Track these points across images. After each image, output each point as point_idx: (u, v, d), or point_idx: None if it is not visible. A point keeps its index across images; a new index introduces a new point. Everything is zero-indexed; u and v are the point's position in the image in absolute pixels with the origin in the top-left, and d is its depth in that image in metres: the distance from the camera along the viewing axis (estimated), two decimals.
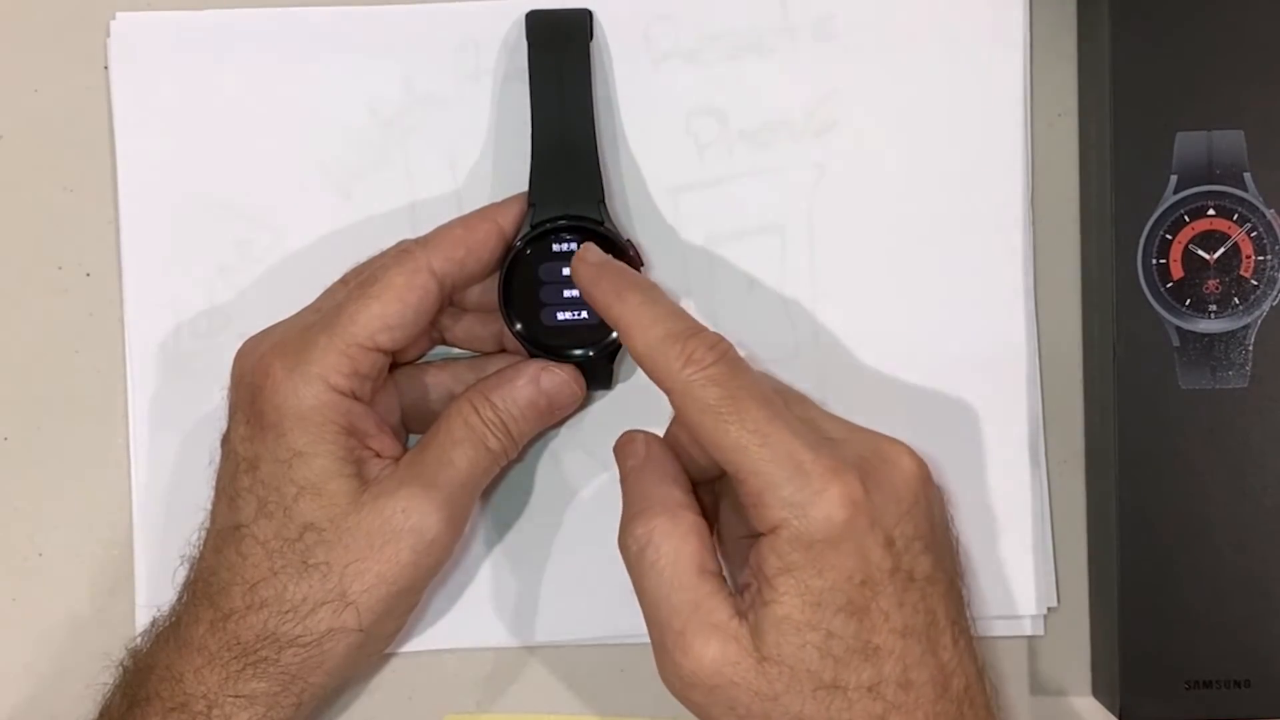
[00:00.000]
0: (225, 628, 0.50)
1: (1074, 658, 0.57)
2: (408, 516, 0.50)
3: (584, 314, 0.53)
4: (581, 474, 0.56)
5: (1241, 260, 0.53)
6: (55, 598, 0.57)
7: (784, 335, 0.56)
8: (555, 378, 0.53)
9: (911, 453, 0.48)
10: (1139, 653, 0.53)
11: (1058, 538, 0.57)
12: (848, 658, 0.45)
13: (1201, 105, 0.53)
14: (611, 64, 0.56)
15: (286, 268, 0.56)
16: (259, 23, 0.56)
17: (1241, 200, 0.53)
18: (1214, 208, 0.53)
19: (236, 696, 0.49)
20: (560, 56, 0.54)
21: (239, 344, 0.53)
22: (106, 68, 0.57)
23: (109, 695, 0.52)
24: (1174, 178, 0.53)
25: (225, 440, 0.52)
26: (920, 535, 0.47)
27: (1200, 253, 0.53)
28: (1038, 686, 0.56)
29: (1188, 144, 0.53)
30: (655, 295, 0.50)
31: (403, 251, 0.52)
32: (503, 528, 0.56)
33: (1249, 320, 0.53)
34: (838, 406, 0.55)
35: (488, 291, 0.54)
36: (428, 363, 0.56)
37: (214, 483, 0.52)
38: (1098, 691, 0.56)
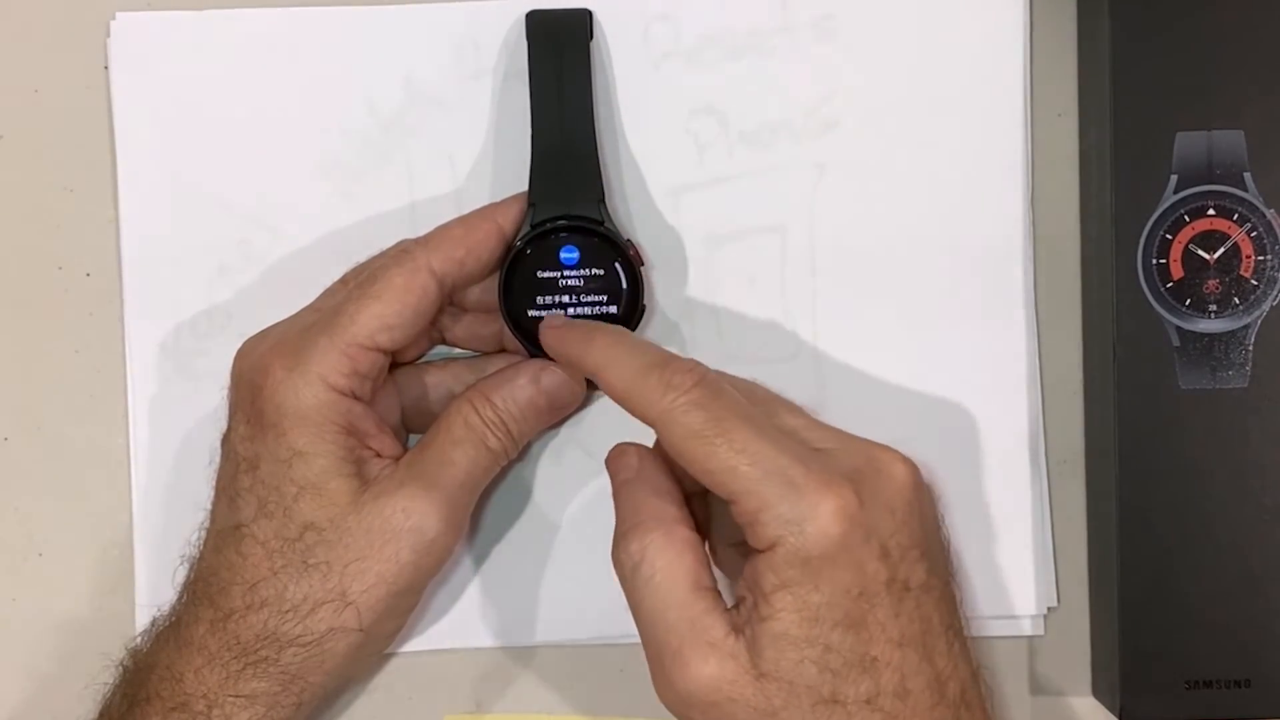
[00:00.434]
0: (225, 628, 0.50)
1: (1074, 658, 0.57)
2: (408, 516, 0.50)
3: (585, 314, 0.53)
4: (581, 474, 0.56)
5: (1241, 260, 0.53)
6: (55, 598, 0.57)
7: (784, 335, 0.56)
8: (555, 377, 0.53)
9: (903, 459, 0.48)
10: (1139, 653, 0.53)
11: (1058, 538, 0.57)
12: (846, 671, 0.45)
13: (1201, 105, 0.53)
14: (611, 64, 0.56)
15: (286, 268, 0.56)
16: (259, 23, 0.56)
17: (1241, 200, 0.53)
18: (1214, 208, 0.53)
19: (237, 696, 0.49)
20: (560, 56, 0.54)
21: (239, 344, 0.53)
22: (106, 68, 0.57)
23: (109, 695, 0.52)
24: (1174, 178, 0.53)
25: (225, 440, 0.52)
26: (915, 543, 0.47)
27: (1200, 253, 0.53)
28: (1038, 686, 0.56)
29: (1188, 144, 0.53)
30: (622, 335, 0.50)
31: (402, 251, 0.52)
32: (503, 528, 0.56)
33: (1249, 320, 0.53)
34: (837, 407, 0.55)
35: (488, 291, 0.54)
36: (428, 363, 0.56)
37: (214, 483, 0.52)
38: (1098, 691, 0.56)
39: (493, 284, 0.53)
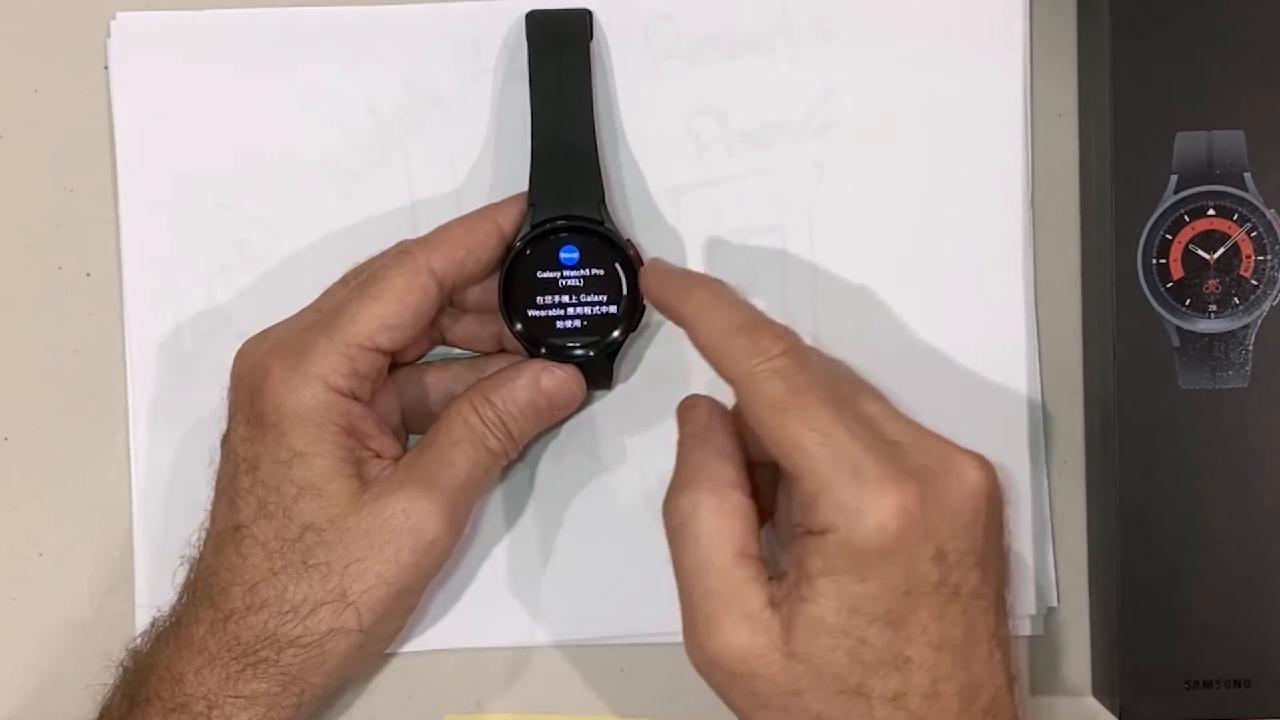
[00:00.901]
0: (225, 628, 0.50)
1: (1074, 658, 0.57)
2: (408, 517, 0.50)
3: (584, 314, 0.53)
4: (581, 474, 0.56)
5: (1241, 260, 0.53)
6: (55, 598, 0.57)
7: None
8: (555, 377, 0.53)
9: (982, 464, 0.47)
10: (1139, 653, 0.53)
11: (1058, 538, 0.57)
12: (877, 665, 0.45)
13: (1201, 105, 0.53)
14: (611, 64, 0.56)
15: (286, 268, 0.56)
16: (259, 22, 0.56)
17: (1241, 200, 0.53)
18: (1214, 208, 0.53)
19: (237, 697, 0.49)
20: (560, 56, 0.54)
21: (239, 344, 0.53)
22: (106, 68, 0.57)
23: (109, 695, 0.52)
24: (1174, 178, 0.53)
25: (225, 441, 0.52)
26: (973, 550, 0.46)
27: (1200, 253, 0.53)
28: (1038, 686, 0.56)
29: (1188, 144, 0.53)
30: (720, 290, 0.49)
31: (402, 252, 0.52)
32: (503, 528, 0.56)
33: (1249, 320, 0.53)
34: None
35: (487, 292, 0.54)
36: (428, 363, 0.56)
37: (214, 483, 0.52)
38: (1098, 691, 0.56)
39: (493, 284, 0.53)
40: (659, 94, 0.56)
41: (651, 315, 0.56)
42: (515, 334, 0.53)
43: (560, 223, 0.53)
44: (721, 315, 0.48)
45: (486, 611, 0.56)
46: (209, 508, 0.52)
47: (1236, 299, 0.53)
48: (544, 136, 0.54)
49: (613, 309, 0.53)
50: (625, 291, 0.53)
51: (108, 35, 0.56)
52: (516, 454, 0.53)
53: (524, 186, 0.54)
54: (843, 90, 0.56)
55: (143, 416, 0.56)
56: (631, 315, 0.53)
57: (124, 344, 0.57)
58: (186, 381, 0.56)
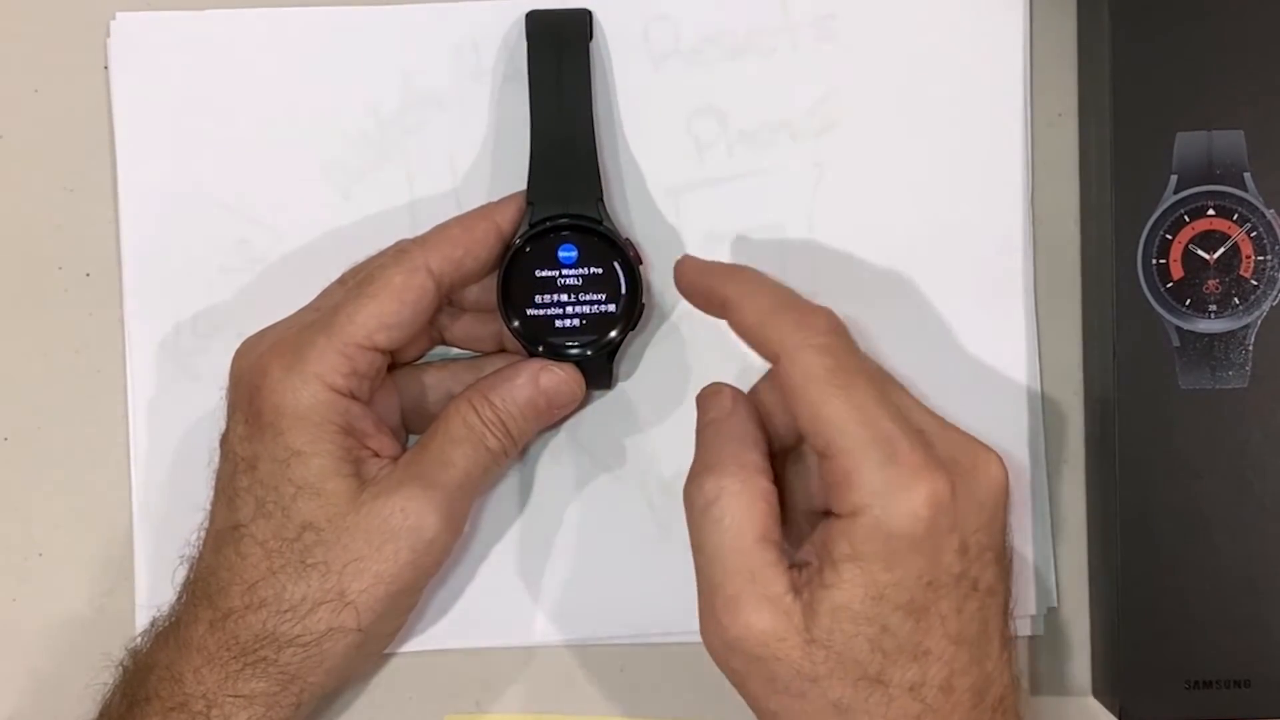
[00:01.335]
0: (224, 627, 0.50)
1: (1074, 658, 0.57)
2: (406, 516, 0.50)
3: (583, 313, 0.53)
4: (581, 474, 0.56)
5: (1241, 260, 0.53)
6: (55, 598, 0.57)
7: None
8: (554, 377, 0.53)
9: (1001, 461, 0.48)
10: (1139, 653, 0.53)
11: (1058, 538, 0.57)
12: (897, 654, 0.45)
13: (1201, 105, 0.53)
14: (611, 64, 0.56)
15: (286, 268, 0.56)
16: (259, 23, 0.56)
17: (1241, 200, 0.53)
18: (1214, 208, 0.53)
19: (236, 696, 0.49)
20: (560, 56, 0.54)
21: (239, 344, 0.53)
22: (106, 68, 0.57)
23: (109, 695, 0.52)
24: (1174, 178, 0.53)
25: (224, 440, 0.52)
26: (993, 545, 0.47)
27: (1200, 253, 0.53)
28: (1038, 686, 0.56)
29: (1188, 144, 0.53)
30: (763, 274, 0.50)
31: (400, 251, 0.52)
32: (503, 528, 0.56)
33: (1249, 320, 0.53)
34: None
35: (486, 291, 0.54)
36: (427, 363, 0.56)
37: (213, 483, 0.52)
38: (1098, 691, 0.56)
39: (491, 283, 0.53)
40: (659, 94, 0.56)
41: (650, 314, 0.56)
42: (514, 333, 0.53)
43: (559, 221, 0.53)
44: (767, 293, 0.49)
45: (487, 611, 0.56)
46: (208, 507, 0.52)
47: (1236, 299, 0.53)
48: (543, 135, 0.54)
49: (611, 308, 0.53)
50: (624, 290, 0.53)
51: (108, 35, 0.57)
52: (516, 453, 0.53)
53: (523, 186, 0.54)
54: (843, 90, 0.56)
55: (143, 416, 0.56)
56: (630, 314, 0.53)
57: (124, 344, 0.57)
58: (186, 381, 0.56)
